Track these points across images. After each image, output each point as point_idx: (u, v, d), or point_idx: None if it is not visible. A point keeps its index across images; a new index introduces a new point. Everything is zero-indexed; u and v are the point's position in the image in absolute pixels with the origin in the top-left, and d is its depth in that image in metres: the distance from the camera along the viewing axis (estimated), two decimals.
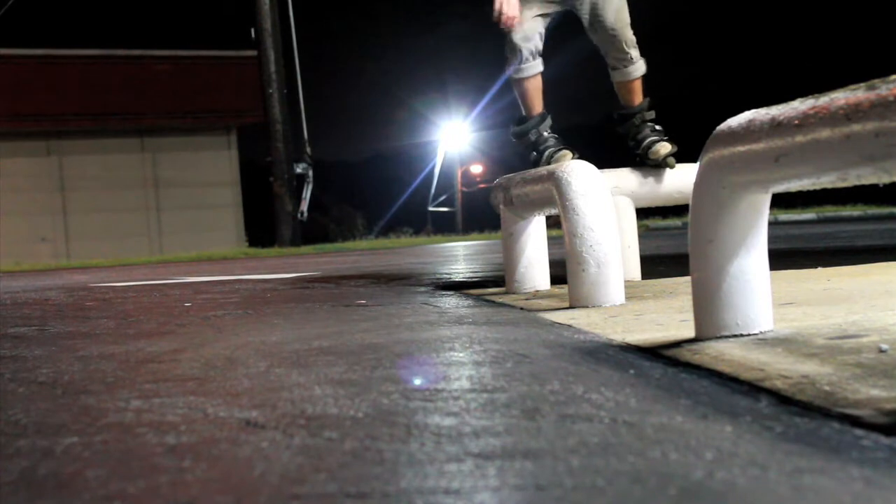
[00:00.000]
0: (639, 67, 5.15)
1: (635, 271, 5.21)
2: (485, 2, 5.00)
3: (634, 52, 5.12)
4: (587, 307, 3.72)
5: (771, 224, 2.55)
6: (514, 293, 4.71)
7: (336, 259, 13.05)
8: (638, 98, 5.24)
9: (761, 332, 2.43)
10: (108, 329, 4.02)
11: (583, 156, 4.63)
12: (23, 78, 23.54)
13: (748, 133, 2.24)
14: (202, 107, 25.21)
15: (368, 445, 1.61)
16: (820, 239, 10.56)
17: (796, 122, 2.05)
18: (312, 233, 26.47)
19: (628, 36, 5.07)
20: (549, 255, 4.93)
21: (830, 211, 22.95)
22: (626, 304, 3.73)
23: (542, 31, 5.07)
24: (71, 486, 1.47)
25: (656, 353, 2.42)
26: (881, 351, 2.09)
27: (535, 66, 5.09)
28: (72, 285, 8.64)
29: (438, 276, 7.20)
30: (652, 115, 5.25)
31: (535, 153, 5.21)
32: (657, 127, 5.22)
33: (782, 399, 1.76)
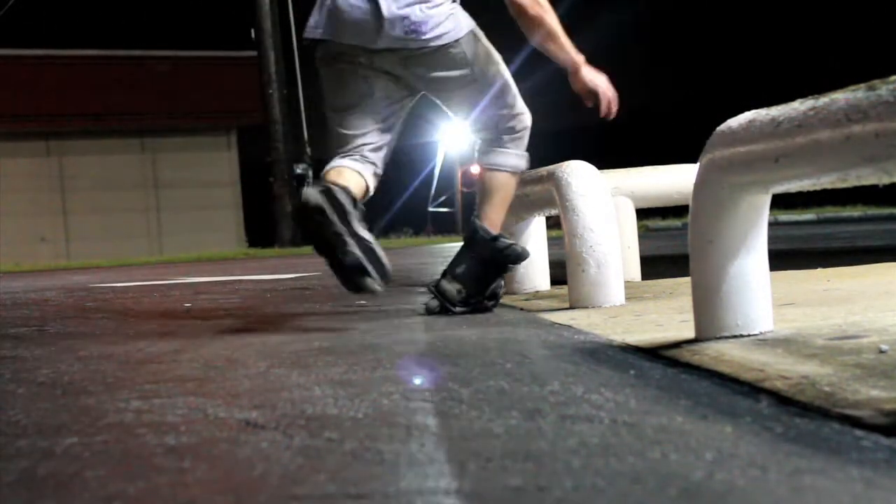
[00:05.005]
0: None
1: (635, 272, 5.21)
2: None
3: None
4: (587, 307, 3.72)
5: (771, 224, 2.55)
6: (513, 293, 4.71)
7: None
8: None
9: (761, 333, 2.43)
10: (108, 329, 4.02)
11: (583, 156, 4.63)
12: (23, 78, 23.52)
13: (748, 133, 2.24)
14: (202, 107, 25.17)
15: (368, 446, 1.60)
16: (820, 239, 10.56)
17: (796, 122, 2.05)
18: None
19: None
20: (549, 255, 4.93)
21: (830, 212, 22.92)
22: (626, 305, 3.73)
23: None
24: (71, 486, 1.47)
25: (656, 354, 2.42)
26: (881, 351, 2.09)
27: None
28: (72, 286, 8.63)
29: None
30: None
31: None
32: None
33: (782, 400, 1.76)
